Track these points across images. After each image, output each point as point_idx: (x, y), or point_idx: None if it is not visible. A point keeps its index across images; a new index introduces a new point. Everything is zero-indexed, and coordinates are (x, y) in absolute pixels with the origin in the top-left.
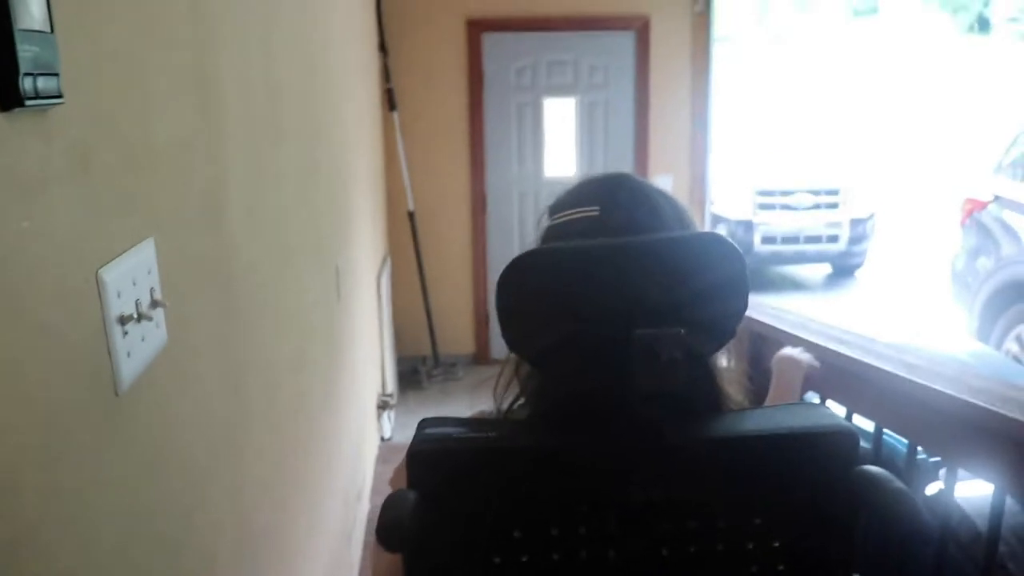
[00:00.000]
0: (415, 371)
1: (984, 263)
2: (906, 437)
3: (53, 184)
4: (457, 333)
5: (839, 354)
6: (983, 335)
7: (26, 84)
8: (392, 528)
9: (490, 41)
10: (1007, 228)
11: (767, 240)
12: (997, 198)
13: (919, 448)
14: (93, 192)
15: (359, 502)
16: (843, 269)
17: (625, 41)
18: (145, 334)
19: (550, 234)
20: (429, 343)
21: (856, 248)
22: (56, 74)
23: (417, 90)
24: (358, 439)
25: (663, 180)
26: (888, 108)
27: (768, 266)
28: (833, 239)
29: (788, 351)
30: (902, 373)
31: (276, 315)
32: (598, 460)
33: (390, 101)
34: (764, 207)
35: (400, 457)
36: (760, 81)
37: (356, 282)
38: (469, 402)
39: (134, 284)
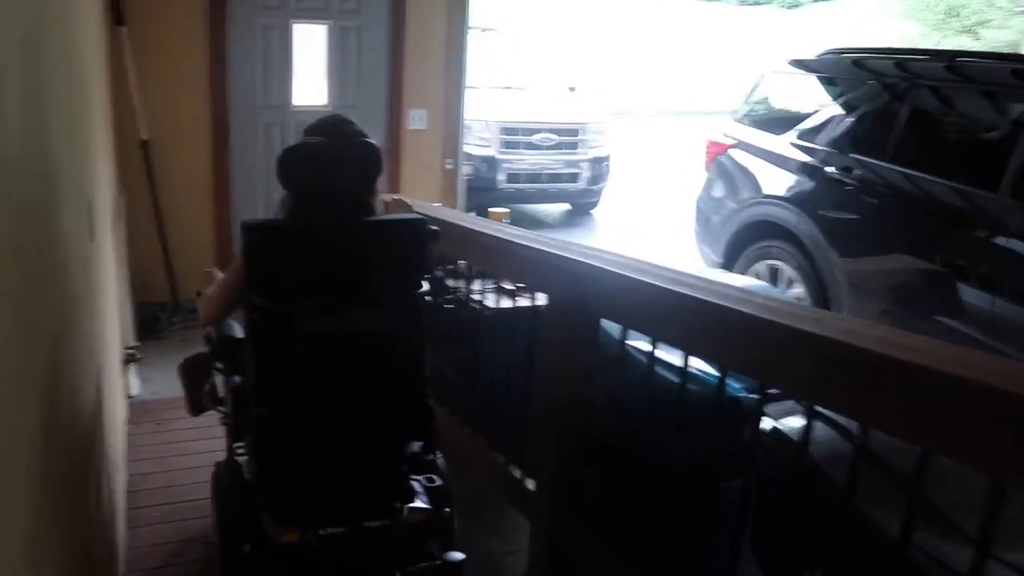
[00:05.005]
0: (156, 318)
1: (727, 203)
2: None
3: None
4: (200, 275)
5: (669, 291)
6: (726, 270)
7: None
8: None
9: None
10: (745, 171)
11: (511, 179)
12: (738, 142)
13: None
14: None
15: (118, 472)
16: (581, 208)
17: None
18: None
19: (304, 141)
20: (168, 288)
21: (594, 187)
22: None
23: (148, 1)
24: (112, 403)
25: (417, 114)
26: (643, 60)
27: (513, 204)
28: (573, 178)
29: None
30: (711, 300)
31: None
32: (331, 230)
33: (117, 13)
34: (508, 145)
35: (150, 415)
36: (522, 20)
37: (101, 220)
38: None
39: None
